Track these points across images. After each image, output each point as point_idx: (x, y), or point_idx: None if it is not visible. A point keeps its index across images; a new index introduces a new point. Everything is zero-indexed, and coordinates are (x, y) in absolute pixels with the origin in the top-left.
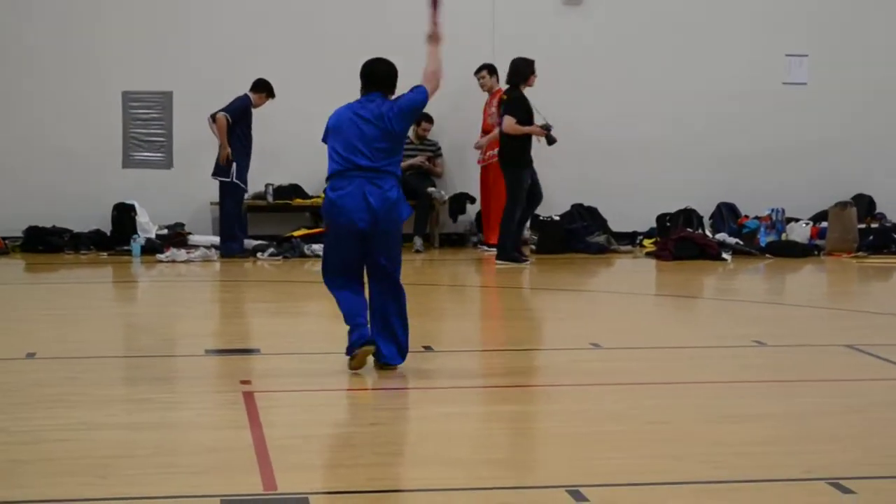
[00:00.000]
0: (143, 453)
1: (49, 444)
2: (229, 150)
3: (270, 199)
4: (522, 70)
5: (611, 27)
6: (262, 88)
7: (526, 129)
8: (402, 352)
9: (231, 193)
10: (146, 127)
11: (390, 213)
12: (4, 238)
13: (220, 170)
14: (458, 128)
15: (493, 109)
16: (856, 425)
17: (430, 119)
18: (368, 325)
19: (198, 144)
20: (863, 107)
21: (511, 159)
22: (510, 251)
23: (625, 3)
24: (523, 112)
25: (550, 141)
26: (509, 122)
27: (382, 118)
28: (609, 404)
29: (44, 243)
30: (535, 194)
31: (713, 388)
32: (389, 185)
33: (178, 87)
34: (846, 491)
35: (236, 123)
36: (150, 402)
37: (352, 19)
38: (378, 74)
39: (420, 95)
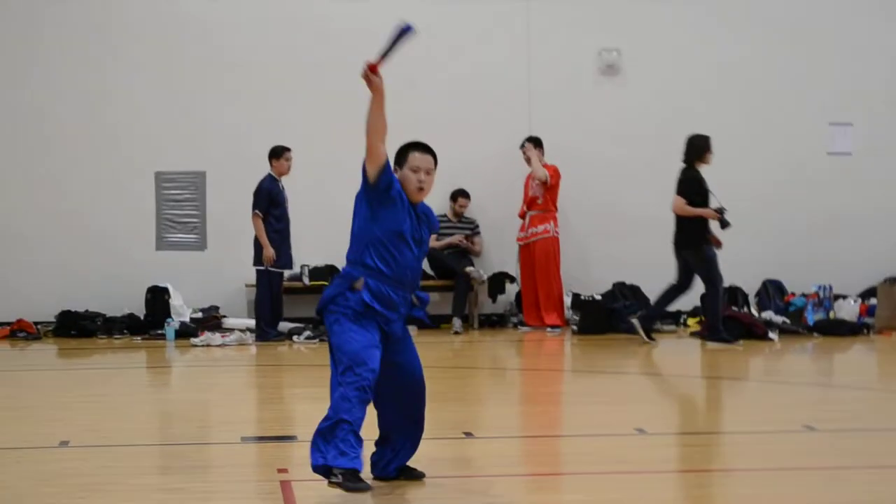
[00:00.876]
0: None
1: None
2: (272, 251)
3: (306, 280)
4: (698, 146)
5: (648, 97)
6: (275, 154)
7: (697, 211)
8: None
9: (265, 278)
10: (180, 208)
11: None
12: (37, 323)
13: (256, 259)
14: (496, 205)
15: (536, 182)
16: None
17: (466, 195)
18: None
19: (232, 225)
20: None
21: (689, 241)
22: (720, 332)
23: (662, 73)
24: (697, 193)
25: (724, 224)
26: (679, 204)
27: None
28: (655, 492)
29: (77, 328)
30: (684, 284)
31: (761, 476)
32: None
33: (211, 166)
34: None
35: (269, 213)
36: (186, 492)
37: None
38: None
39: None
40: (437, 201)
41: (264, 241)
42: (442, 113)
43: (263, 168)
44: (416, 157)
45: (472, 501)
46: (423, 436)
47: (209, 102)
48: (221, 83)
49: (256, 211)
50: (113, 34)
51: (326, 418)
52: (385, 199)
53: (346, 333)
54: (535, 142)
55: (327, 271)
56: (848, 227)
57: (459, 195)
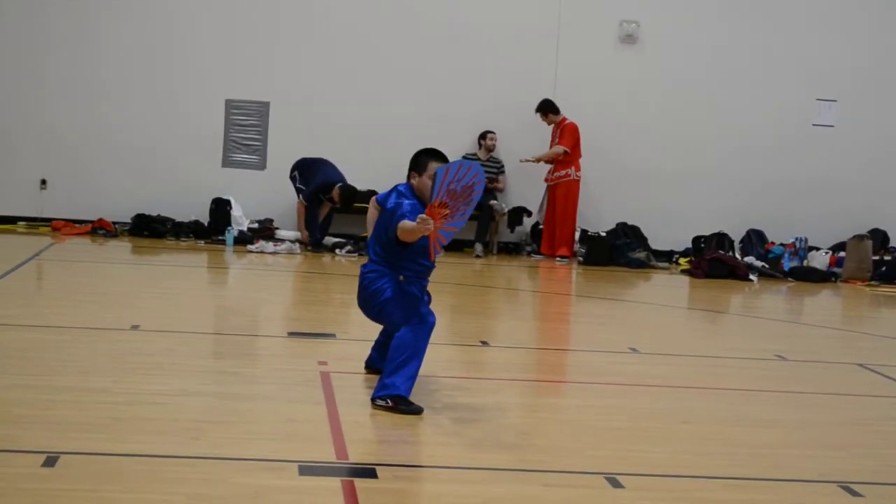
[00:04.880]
0: (230, 420)
1: (147, 406)
2: (307, 233)
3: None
4: None
5: (660, 65)
6: (343, 197)
7: None
8: (383, 387)
9: (310, 202)
10: (245, 132)
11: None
12: (115, 222)
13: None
14: (521, 150)
15: (558, 140)
16: (865, 436)
17: (492, 131)
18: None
19: (289, 150)
20: (883, 150)
21: None
22: None
23: (674, 44)
24: None
25: None
26: None
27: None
28: (643, 403)
29: (149, 229)
30: None
31: (736, 395)
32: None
33: (275, 98)
34: (855, 494)
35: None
36: (238, 376)
37: (433, 43)
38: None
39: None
40: (467, 141)
41: (301, 226)
42: (480, 65)
43: (322, 102)
44: (432, 167)
45: (485, 399)
46: (446, 341)
47: (276, 43)
48: (285, 28)
49: (304, 199)
50: None
51: None
52: None
53: None
54: (542, 110)
55: (369, 194)
56: (825, 189)
57: (487, 133)
